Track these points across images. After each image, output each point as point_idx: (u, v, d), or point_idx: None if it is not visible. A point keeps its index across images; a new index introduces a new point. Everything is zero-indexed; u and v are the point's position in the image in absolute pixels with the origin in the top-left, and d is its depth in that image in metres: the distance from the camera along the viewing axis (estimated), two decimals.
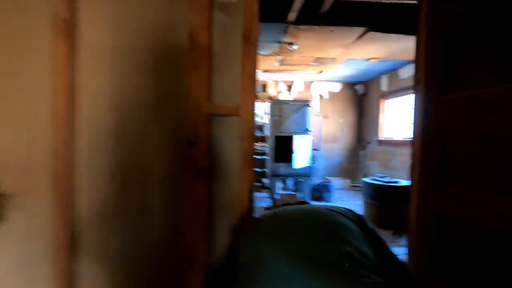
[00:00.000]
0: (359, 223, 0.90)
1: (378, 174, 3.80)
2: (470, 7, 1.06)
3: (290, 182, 5.50)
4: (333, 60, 4.78)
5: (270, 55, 4.55)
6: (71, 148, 1.18)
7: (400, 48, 4.05)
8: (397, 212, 3.45)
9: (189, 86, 1.18)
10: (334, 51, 4.28)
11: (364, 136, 6.80)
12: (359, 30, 3.43)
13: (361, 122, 6.93)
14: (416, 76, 1.34)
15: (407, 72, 5.11)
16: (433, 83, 1.19)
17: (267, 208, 4.53)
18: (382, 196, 3.47)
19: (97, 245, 1.23)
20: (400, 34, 3.44)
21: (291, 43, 3.91)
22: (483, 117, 0.99)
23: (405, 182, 3.55)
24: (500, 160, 0.92)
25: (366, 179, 3.74)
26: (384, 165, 5.83)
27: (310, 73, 5.92)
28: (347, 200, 5.19)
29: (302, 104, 4.45)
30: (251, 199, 1.18)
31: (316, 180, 6.01)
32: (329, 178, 6.32)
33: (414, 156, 1.34)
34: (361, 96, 6.91)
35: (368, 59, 4.70)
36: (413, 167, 1.34)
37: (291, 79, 6.68)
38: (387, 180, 3.55)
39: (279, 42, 3.92)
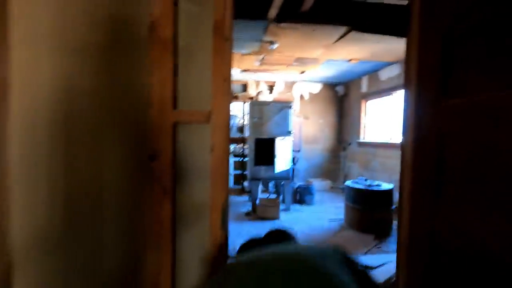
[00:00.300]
0: (348, 266, 0.74)
1: (360, 178, 3.74)
2: (470, 4, 0.93)
3: (271, 185, 5.37)
4: (314, 60, 4.69)
5: (250, 54, 4.37)
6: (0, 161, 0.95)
7: (381, 49, 4.02)
8: (379, 216, 3.39)
9: (150, 88, 0.98)
10: (315, 51, 4.18)
11: (344, 137, 6.80)
12: (341, 29, 3.33)
13: (342, 123, 6.92)
14: (407, 78, 1.21)
15: (387, 74, 5.12)
16: (429, 86, 1.07)
17: (246, 214, 4.37)
18: (364, 200, 3.40)
19: (37, 283, 1.00)
20: (382, 34, 3.38)
21: (271, 42, 3.76)
22: (486, 126, 0.87)
23: (387, 186, 3.51)
24: (505, 175, 0.79)
25: (348, 183, 3.66)
26: (364, 166, 5.83)
27: (291, 74, 5.81)
28: (328, 202, 5.13)
29: (284, 106, 4.33)
30: (224, 226, 1.00)
31: (297, 182, 5.93)
32: (310, 180, 6.25)
33: (405, 165, 1.21)
34: (342, 97, 6.90)
35: (349, 60, 4.65)
36: (403, 177, 1.21)
37: (272, 79, 6.54)
38: (369, 183, 3.49)
39: (260, 41, 3.76)
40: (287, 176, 4.32)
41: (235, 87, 6.69)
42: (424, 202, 1.11)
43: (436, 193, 1.05)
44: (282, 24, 3.17)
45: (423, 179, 1.09)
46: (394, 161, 4.86)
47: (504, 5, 0.83)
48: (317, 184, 5.98)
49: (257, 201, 4.22)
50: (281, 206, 4.50)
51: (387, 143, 5.10)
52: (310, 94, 6.85)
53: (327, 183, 6.21)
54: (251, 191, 4.33)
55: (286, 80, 6.60)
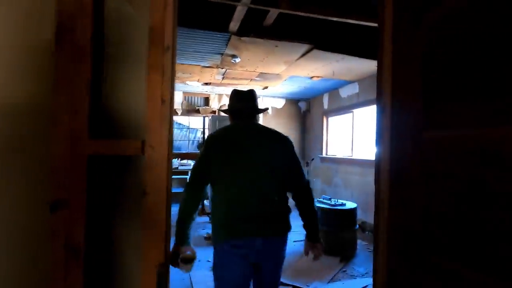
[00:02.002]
0: None
1: (324, 196, 3.66)
2: (451, 29, 0.82)
3: None
4: (277, 76, 4.63)
5: (211, 67, 4.17)
6: None
7: (342, 68, 4.08)
8: (344, 236, 3.31)
9: (56, 108, 0.72)
10: (278, 67, 4.11)
11: (307, 152, 6.82)
12: (304, 47, 3.29)
13: (305, 139, 6.96)
14: (382, 102, 1.08)
15: (347, 92, 5.25)
16: (408, 114, 0.94)
17: (206, 238, 4.03)
18: (328, 220, 3.30)
19: None
20: (344, 54, 3.41)
21: (233, 56, 3.60)
22: (475, 167, 0.74)
23: (350, 205, 3.46)
24: (505, 233, 0.65)
25: None
26: (327, 182, 5.85)
27: (254, 88, 5.70)
28: (293, 220, 4.98)
29: None
30: None
31: None
32: None
33: (380, 212, 1.06)
34: (305, 113, 6.97)
35: (311, 77, 4.67)
36: (377, 228, 1.04)
37: None
38: (333, 203, 3.41)
39: (221, 54, 3.58)
40: None
41: (197, 100, 6.41)
42: (404, 259, 0.94)
43: (421, 249, 0.88)
44: (244, 38, 3.03)
45: (404, 231, 0.94)
46: (356, 177, 4.91)
47: (486, 31, 0.72)
48: None
49: None
50: None
51: (348, 158, 5.16)
52: (274, 109, 6.81)
53: (291, 201, 6.09)
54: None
55: None
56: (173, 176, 5.89)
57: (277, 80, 4.86)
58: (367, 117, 4.92)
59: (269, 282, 1.44)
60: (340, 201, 3.53)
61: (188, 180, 1.42)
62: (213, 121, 3.99)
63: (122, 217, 0.79)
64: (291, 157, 1.49)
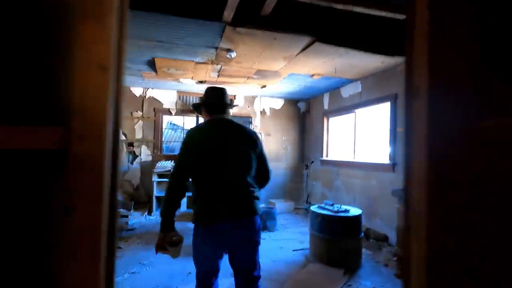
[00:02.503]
0: None
1: (326, 201, 3.40)
2: None
3: None
4: (276, 74, 4.38)
5: (205, 63, 3.92)
6: None
7: (344, 64, 3.83)
8: (349, 246, 3.04)
9: None
10: (277, 63, 3.86)
11: (307, 154, 6.57)
12: (305, 40, 3.04)
13: (305, 140, 6.71)
14: (414, 88, 0.81)
15: (349, 91, 5.01)
16: (457, 100, 0.67)
17: None
18: (331, 228, 3.03)
19: None
20: (347, 48, 3.16)
21: (229, 50, 3.35)
22: None
23: (355, 211, 3.19)
24: None
25: (314, 208, 3.29)
26: (327, 185, 5.59)
27: (252, 88, 5.45)
28: (292, 226, 4.72)
29: (242, 121, 3.89)
30: None
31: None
32: (272, 201, 5.83)
33: (413, 235, 0.79)
34: (304, 114, 6.73)
35: (312, 75, 4.42)
36: (408, 262, 0.77)
37: (232, 93, 6.13)
38: (336, 209, 3.14)
39: (215, 48, 3.33)
40: None
41: (192, 100, 6.14)
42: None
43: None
44: (240, 29, 2.78)
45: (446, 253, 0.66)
46: (357, 180, 4.65)
47: None
48: (280, 205, 5.58)
49: None
50: None
51: (350, 162, 4.90)
52: (272, 109, 6.56)
53: (290, 204, 5.83)
54: None
55: (246, 95, 6.24)
56: (165, 179, 5.63)
57: (276, 78, 4.61)
58: (369, 118, 4.67)
59: (245, 262, 1.60)
60: (344, 207, 3.26)
61: (172, 170, 1.56)
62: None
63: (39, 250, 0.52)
64: (260, 151, 1.71)
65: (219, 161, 1.53)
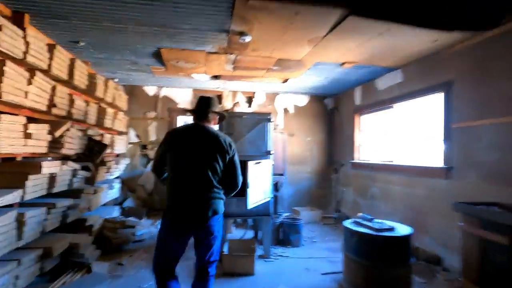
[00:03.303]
0: None
1: (363, 215, 2.74)
2: None
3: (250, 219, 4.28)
4: (299, 64, 3.78)
5: (218, 53, 3.42)
6: None
7: (383, 47, 3.15)
8: (395, 274, 2.37)
9: None
10: (300, 49, 3.26)
11: (336, 157, 5.86)
12: (335, 14, 2.43)
13: (332, 141, 6.01)
14: None
15: (386, 82, 4.28)
16: None
17: None
18: (372, 251, 2.38)
19: None
20: (391, 22, 2.50)
21: (242, 33, 2.81)
22: None
23: (403, 229, 2.50)
24: None
25: (348, 224, 2.64)
26: (360, 193, 4.86)
27: (273, 83, 4.89)
28: (320, 241, 4.06)
29: (260, 118, 3.34)
30: None
31: (281, 213, 4.86)
32: (296, 209, 5.20)
33: None
34: (331, 111, 6.03)
35: (342, 64, 3.77)
36: None
37: (251, 90, 5.61)
38: (377, 226, 2.47)
39: (226, 31, 2.81)
40: (266, 211, 3.26)
41: None
42: None
43: None
44: (252, 2, 2.23)
45: None
46: (398, 187, 3.90)
47: None
48: (305, 214, 4.94)
49: (226, 246, 3.12)
50: (259, 250, 3.41)
51: (388, 165, 4.16)
52: (296, 107, 5.94)
53: (316, 213, 5.17)
54: None
55: (267, 91, 5.68)
56: None
57: (300, 69, 4.01)
58: (412, 113, 3.91)
59: (203, 255, 1.87)
60: (387, 224, 2.58)
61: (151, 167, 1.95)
62: (226, 122, 3.21)
63: None
64: (231, 159, 1.89)
65: (182, 161, 1.80)
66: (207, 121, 1.93)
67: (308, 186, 5.87)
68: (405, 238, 2.39)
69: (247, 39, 2.88)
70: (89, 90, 3.42)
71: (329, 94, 5.83)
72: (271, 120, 3.39)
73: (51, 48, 2.54)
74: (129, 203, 4.94)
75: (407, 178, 3.73)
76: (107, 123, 3.89)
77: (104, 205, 4.02)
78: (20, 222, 2.13)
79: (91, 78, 3.45)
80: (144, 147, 5.43)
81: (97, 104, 3.66)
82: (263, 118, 3.34)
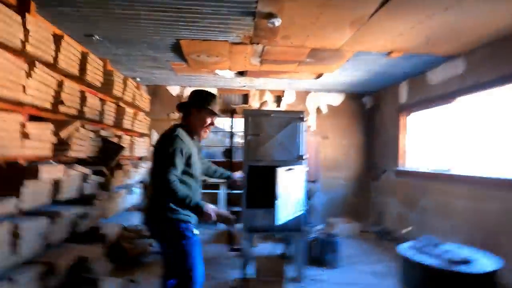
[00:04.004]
0: None
1: (426, 237, 2.15)
2: None
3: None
4: (337, 54, 3.26)
5: (243, 43, 3.01)
6: None
7: (446, 29, 2.53)
8: None
9: None
10: (340, 34, 2.74)
11: (376, 162, 5.18)
12: None
13: (372, 145, 5.34)
14: None
15: (443, 75, 3.59)
16: None
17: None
18: None
19: None
20: None
21: (270, 15, 2.37)
22: None
23: (485, 262, 1.87)
24: None
25: (405, 250, 2.06)
26: (408, 204, 4.17)
27: (304, 79, 4.39)
28: (360, 261, 3.45)
29: (292, 117, 2.86)
30: None
31: (313, 225, 4.32)
32: (330, 220, 4.62)
33: None
34: (370, 111, 5.37)
35: (389, 53, 3.18)
36: None
37: (280, 87, 5.14)
38: (448, 256, 1.87)
39: (252, 14, 2.38)
40: (298, 226, 2.76)
41: (234, 99, 5.33)
42: None
43: None
44: None
45: None
46: (461, 202, 3.20)
47: None
48: (341, 228, 4.34)
49: (252, 266, 2.67)
50: (290, 271, 2.91)
51: (447, 174, 3.46)
52: (329, 107, 5.37)
53: (354, 227, 4.54)
54: (242, 248, 2.78)
55: (298, 89, 5.18)
56: (202, 191, 4.86)
57: (337, 60, 3.47)
58: (479, 110, 3.20)
59: (166, 263, 1.83)
60: (460, 252, 1.97)
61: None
62: (246, 116, 2.82)
63: None
64: (158, 157, 1.69)
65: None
66: (183, 119, 1.81)
67: (343, 195, 5.26)
68: (490, 276, 1.77)
69: (277, 22, 2.43)
70: (106, 88, 3.18)
71: (368, 91, 5.19)
72: (304, 119, 2.90)
73: (57, 39, 2.28)
74: None
75: (474, 190, 3.03)
76: (126, 124, 3.64)
77: (126, 211, 3.77)
78: (14, 235, 1.85)
79: (108, 75, 3.21)
80: None
81: (115, 104, 3.42)
82: (295, 117, 2.86)
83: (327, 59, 3.43)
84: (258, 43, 2.99)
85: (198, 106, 1.74)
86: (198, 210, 1.55)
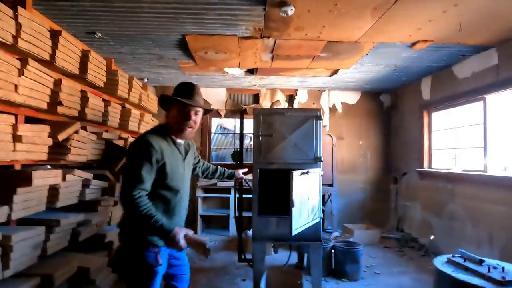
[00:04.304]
0: None
1: (462, 252, 1.86)
2: None
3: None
4: (354, 47, 3.00)
5: (252, 37, 2.80)
6: None
7: (481, 14, 2.23)
8: None
9: None
10: (359, 24, 2.49)
11: (396, 164, 4.86)
12: None
13: (391, 145, 5.02)
14: None
15: (470, 68, 3.28)
16: None
17: None
18: None
19: None
20: None
21: (282, 3, 2.15)
22: None
23: None
24: None
25: (443, 267, 1.78)
26: (433, 209, 3.84)
27: (318, 76, 4.14)
28: (384, 274, 3.15)
29: (307, 116, 2.62)
30: None
31: (328, 230, 4.07)
32: (348, 226, 4.33)
33: None
34: (389, 109, 5.06)
35: (414, 44, 2.90)
36: None
37: (292, 86, 4.91)
38: (499, 276, 1.58)
39: (263, 3, 2.17)
40: (315, 235, 2.51)
41: (244, 98, 5.13)
42: None
43: None
44: None
45: None
46: (498, 207, 2.87)
47: None
48: (360, 234, 4.05)
49: (263, 279, 2.44)
50: (306, 283, 2.66)
51: (479, 175, 3.14)
52: (344, 105, 5.09)
53: (374, 234, 4.23)
54: (254, 260, 2.55)
55: (311, 87, 4.93)
56: (211, 195, 4.69)
57: (354, 54, 3.21)
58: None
59: None
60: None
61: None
62: (257, 116, 2.60)
63: None
64: (123, 170, 1.44)
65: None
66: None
67: (360, 199, 4.95)
68: None
69: (290, 11, 2.21)
70: (110, 89, 3.03)
71: (386, 88, 4.88)
72: (320, 117, 2.65)
73: (55, 35, 2.13)
74: None
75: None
76: (132, 126, 3.49)
77: None
78: (5, 248, 1.69)
79: (112, 74, 3.06)
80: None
81: (120, 105, 3.27)
82: (310, 115, 2.62)
83: (343, 53, 3.18)
84: (269, 37, 2.77)
85: (171, 100, 1.45)
86: (163, 234, 1.27)
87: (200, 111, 1.51)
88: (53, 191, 2.06)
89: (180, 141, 1.52)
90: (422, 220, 4.07)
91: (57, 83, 2.16)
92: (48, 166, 2.04)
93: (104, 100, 2.95)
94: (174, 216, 1.48)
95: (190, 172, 1.65)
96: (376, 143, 5.05)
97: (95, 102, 2.71)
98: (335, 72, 3.89)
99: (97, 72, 2.72)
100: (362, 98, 5.07)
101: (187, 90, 1.48)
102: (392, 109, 5.00)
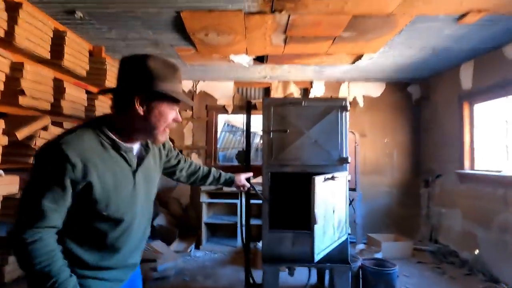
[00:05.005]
0: None
1: None
2: None
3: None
4: (386, 22, 2.45)
5: (260, 12, 2.30)
6: None
7: None
8: None
9: None
10: None
11: (427, 164, 4.25)
12: None
13: (421, 143, 4.41)
14: None
15: None
16: None
17: None
18: None
19: None
20: None
21: None
22: None
23: None
24: None
25: None
26: (477, 219, 3.23)
27: (338, 64, 3.60)
28: None
29: (330, 105, 2.11)
30: None
31: (355, 244, 3.53)
32: (374, 237, 3.76)
33: None
34: (419, 102, 4.45)
35: (462, 16, 2.33)
36: None
37: (307, 78, 4.38)
38: None
39: None
40: (341, 256, 1.99)
41: (253, 93, 4.64)
42: None
43: None
44: None
45: None
46: None
47: None
48: (388, 247, 3.49)
49: None
50: None
51: None
52: (367, 98, 4.51)
53: (405, 246, 3.64)
54: (265, 283, 2.05)
55: (328, 78, 4.38)
56: (216, 200, 4.22)
57: (386, 32, 2.66)
58: None
59: None
60: None
61: None
62: (267, 107, 2.10)
63: None
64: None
65: None
66: (113, 112, 0.99)
67: (386, 204, 4.37)
68: None
69: None
70: (96, 79, 2.61)
71: (415, 78, 4.28)
72: (346, 107, 2.13)
73: (12, 7, 1.70)
74: (160, 220, 4.10)
75: None
76: None
77: None
78: None
79: (98, 63, 2.65)
80: (180, 152, 4.59)
81: (110, 99, 2.85)
82: (334, 106, 2.10)
83: (372, 31, 2.63)
84: (281, 10, 2.26)
85: (146, 90, 0.90)
86: None
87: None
88: (7, 202, 1.63)
89: (129, 145, 0.97)
90: (463, 231, 3.46)
91: (17, 67, 1.74)
92: (1, 171, 1.62)
93: (88, 92, 2.53)
94: (119, 250, 0.97)
95: (153, 184, 1.10)
96: (403, 141, 4.45)
97: (75, 93, 2.29)
98: (359, 57, 3.33)
99: (76, 58, 2.29)
100: (387, 90, 4.48)
101: (174, 76, 0.95)
102: (422, 102, 4.39)
